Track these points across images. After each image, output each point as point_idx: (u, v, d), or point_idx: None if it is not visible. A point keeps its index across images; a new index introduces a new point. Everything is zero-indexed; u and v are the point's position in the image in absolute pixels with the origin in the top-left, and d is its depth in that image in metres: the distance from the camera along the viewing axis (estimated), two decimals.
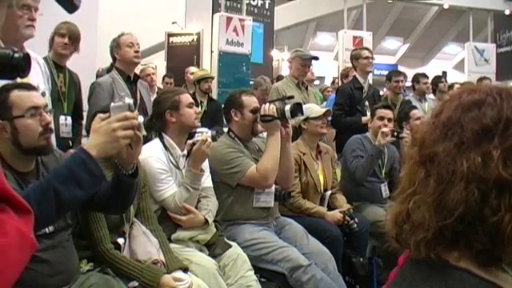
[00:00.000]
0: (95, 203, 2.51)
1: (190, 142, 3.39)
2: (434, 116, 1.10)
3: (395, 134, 4.82)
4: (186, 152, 3.45)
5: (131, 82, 4.69)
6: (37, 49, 3.50)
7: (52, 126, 2.45)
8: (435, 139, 1.05)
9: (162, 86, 8.88)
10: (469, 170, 0.98)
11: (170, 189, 3.39)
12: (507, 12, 14.17)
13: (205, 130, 3.46)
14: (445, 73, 11.40)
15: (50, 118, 2.41)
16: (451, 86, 8.32)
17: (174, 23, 11.02)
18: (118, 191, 2.47)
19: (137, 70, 5.09)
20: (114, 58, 4.73)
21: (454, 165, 1.00)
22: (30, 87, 2.48)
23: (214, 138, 3.40)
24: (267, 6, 11.76)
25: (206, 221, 3.43)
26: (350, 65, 7.04)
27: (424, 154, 1.06)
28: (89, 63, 6.73)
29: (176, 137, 3.54)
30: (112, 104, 2.18)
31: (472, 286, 0.97)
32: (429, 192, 1.02)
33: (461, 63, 17.72)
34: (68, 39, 4.60)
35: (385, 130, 4.75)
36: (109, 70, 4.90)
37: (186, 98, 3.57)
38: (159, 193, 3.37)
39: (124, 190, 2.49)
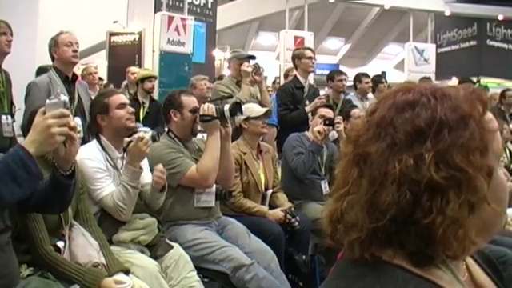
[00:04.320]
0: (33, 203, 2.47)
1: (127, 139, 3.35)
2: (368, 114, 1.09)
3: (328, 122, 4.89)
4: (123, 154, 3.42)
5: (69, 81, 4.62)
6: None
7: None
8: (369, 139, 1.04)
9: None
10: (401, 172, 0.97)
11: (107, 187, 3.33)
12: (447, 13, 14.55)
13: (147, 129, 3.43)
14: (384, 73, 11.61)
15: None
16: (390, 87, 8.48)
17: (115, 22, 10.89)
18: (55, 191, 2.44)
19: (78, 69, 5.03)
20: (53, 58, 4.66)
21: (386, 166, 0.99)
22: None
23: (153, 139, 3.36)
24: (210, 6, 11.71)
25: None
26: (291, 65, 7.09)
27: (357, 153, 1.05)
28: (28, 63, 6.59)
29: (112, 139, 3.48)
30: (47, 101, 2.13)
31: (405, 282, 0.97)
32: (362, 193, 1.02)
33: (401, 63, 18.08)
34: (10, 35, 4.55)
35: (318, 128, 4.82)
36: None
37: (117, 99, 3.47)
38: (96, 192, 3.31)
39: (61, 191, 2.46)
